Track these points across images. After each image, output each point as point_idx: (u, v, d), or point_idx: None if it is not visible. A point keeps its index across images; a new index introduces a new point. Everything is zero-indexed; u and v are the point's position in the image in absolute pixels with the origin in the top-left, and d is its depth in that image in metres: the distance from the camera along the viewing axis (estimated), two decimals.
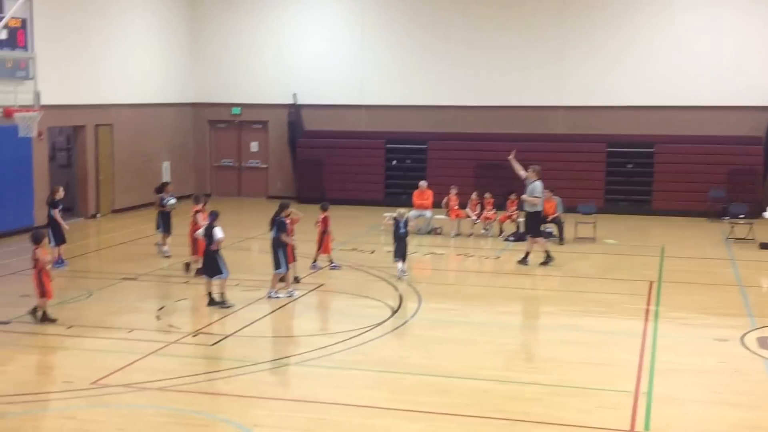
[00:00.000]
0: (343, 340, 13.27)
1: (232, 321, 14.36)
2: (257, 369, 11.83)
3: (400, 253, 17.65)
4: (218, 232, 15.16)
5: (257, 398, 10.69)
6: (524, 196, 19.37)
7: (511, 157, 19.88)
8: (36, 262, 13.85)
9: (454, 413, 10.17)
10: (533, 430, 9.68)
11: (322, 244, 18.45)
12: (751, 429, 9.83)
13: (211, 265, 15.24)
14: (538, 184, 19.07)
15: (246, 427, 9.62)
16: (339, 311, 15.72)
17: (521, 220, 22.56)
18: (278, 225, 15.99)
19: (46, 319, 13.91)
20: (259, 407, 10.38)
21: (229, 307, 15.03)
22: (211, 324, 14.09)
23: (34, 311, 13.97)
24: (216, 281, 15.24)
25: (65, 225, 18.55)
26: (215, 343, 13.04)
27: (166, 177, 29.41)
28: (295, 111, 30.16)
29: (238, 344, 13.22)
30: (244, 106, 30.84)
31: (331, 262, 18.58)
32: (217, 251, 15.21)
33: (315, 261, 18.43)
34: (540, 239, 19.43)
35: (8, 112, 17.68)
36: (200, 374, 11.47)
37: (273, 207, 17.01)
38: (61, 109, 23.52)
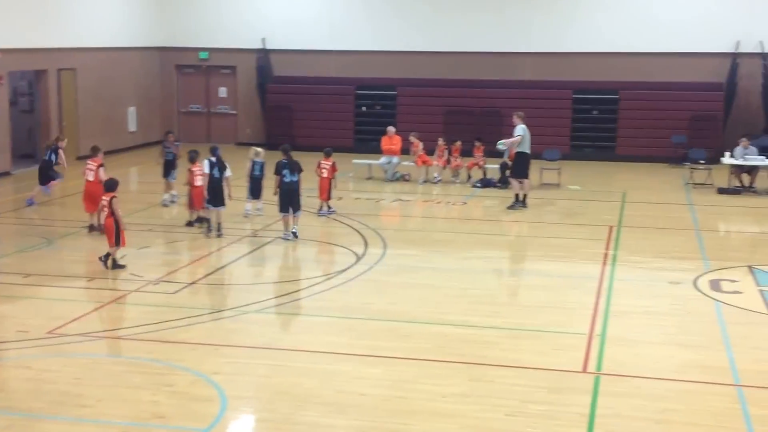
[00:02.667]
0: (307, 287, 13.45)
1: (195, 269, 14.47)
2: (219, 317, 11.98)
3: (256, 193, 18.14)
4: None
5: (218, 346, 10.78)
6: (503, 141, 20.00)
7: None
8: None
9: (413, 357, 10.37)
10: (489, 372, 9.91)
11: (330, 190, 18.65)
12: (700, 368, 10.10)
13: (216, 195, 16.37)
14: (520, 126, 19.47)
15: (205, 374, 9.72)
16: (304, 258, 15.87)
17: (488, 166, 22.84)
18: (299, 169, 16.38)
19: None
20: (220, 355, 10.49)
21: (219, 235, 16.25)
22: (173, 272, 14.12)
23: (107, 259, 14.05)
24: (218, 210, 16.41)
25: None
26: (177, 291, 13.07)
27: (132, 123, 29.30)
28: (264, 56, 29.99)
29: (200, 292, 13.33)
30: (212, 50, 30.56)
31: (330, 208, 18.76)
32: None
33: (327, 207, 18.69)
34: (526, 181, 19.65)
35: None
36: (161, 323, 11.51)
37: (243, 153, 17.26)
38: (22, 53, 23.18)
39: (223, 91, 31.15)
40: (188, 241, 16.34)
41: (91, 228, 16.53)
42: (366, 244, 16.12)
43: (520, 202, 19.47)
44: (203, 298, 13.14)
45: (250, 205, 18.19)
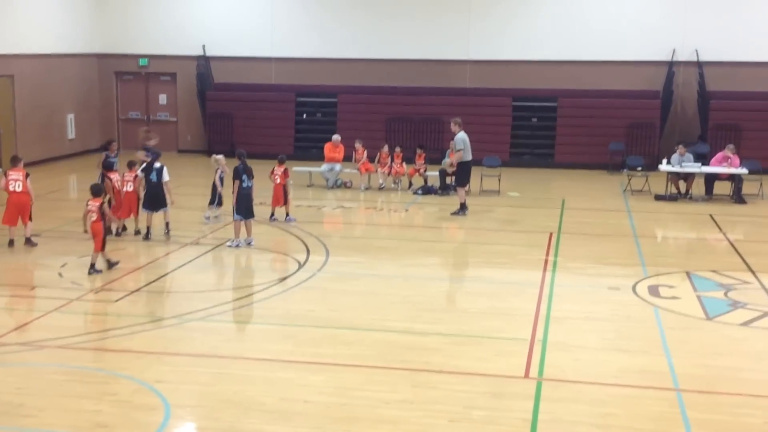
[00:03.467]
0: (249, 295, 13.45)
1: (137, 277, 14.34)
2: (161, 325, 11.88)
3: (215, 200, 18.43)
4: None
5: (160, 354, 10.70)
6: (445, 160, 20.25)
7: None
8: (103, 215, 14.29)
9: (356, 364, 10.39)
10: (431, 378, 9.96)
11: (286, 197, 18.77)
12: (639, 373, 10.25)
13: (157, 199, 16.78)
14: (460, 135, 19.65)
15: (148, 383, 9.65)
16: (246, 266, 15.79)
17: (429, 173, 22.99)
18: (253, 174, 16.74)
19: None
20: (162, 363, 10.40)
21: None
22: (114, 280, 13.99)
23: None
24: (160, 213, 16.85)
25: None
26: (118, 300, 12.96)
27: (71, 130, 28.94)
28: (204, 63, 29.83)
29: (142, 300, 13.22)
30: (152, 57, 30.35)
31: (288, 215, 18.88)
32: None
33: (287, 214, 18.85)
34: (463, 189, 19.93)
35: None
36: (103, 331, 11.42)
37: (184, 160, 17.19)
38: None
39: (163, 98, 30.91)
40: (130, 249, 16.18)
41: (11, 243, 16.00)
42: (308, 251, 16.12)
43: (463, 209, 19.67)
44: (146, 306, 13.03)
45: (209, 212, 18.48)
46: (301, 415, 8.92)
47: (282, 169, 18.77)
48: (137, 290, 13.55)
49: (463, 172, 19.86)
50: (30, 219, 16.23)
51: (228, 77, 29.90)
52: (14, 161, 16.47)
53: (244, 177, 16.46)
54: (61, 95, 28.48)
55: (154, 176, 16.76)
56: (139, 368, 10.14)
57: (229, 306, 12.88)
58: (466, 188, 20.13)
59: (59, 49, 28.35)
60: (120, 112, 31.11)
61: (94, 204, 14.28)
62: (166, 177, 16.83)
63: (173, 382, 9.78)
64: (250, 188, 16.55)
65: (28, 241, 16.14)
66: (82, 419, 8.73)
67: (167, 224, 16.90)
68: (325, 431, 8.57)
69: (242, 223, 16.48)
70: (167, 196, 16.81)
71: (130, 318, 12.13)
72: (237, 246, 16.30)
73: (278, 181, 18.70)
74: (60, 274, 14.34)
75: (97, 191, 14.52)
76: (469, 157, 19.77)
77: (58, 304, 12.62)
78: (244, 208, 16.44)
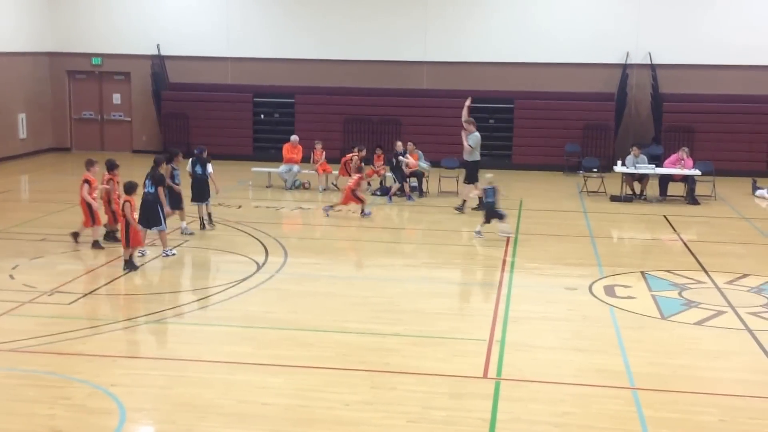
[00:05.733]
0: (207, 296, 13.31)
1: (91, 279, 14.16)
2: (116, 328, 11.73)
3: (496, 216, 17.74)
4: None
5: (115, 357, 10.56)
6: (466, 145, 20.57)
7: (467, 103, 20.93)
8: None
9: (315, 366, 10.34)
10: (391, 379, 9.94)
11: (356, 196, 19.68)
12: (596, 372, 10.32)
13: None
14: (476, 134, 20.24)
15: (102, 386, 9.53)
16: (203, 267, 15.68)
17: (388, 174, 22.97)
18: (159, 180, 15.86)
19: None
20: (117, 366, 10.27)
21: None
22: (68, 282, 13.79)
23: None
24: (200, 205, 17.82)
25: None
26: (72, 302, 12.78)
27: (22, 130, 28.55)
28: (158, 62, 29.57)
29: (96, 303, 13.05)
30: (105, 56, 30.05)
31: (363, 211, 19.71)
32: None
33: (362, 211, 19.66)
34: (473, 186, 20.31)
35: None
36: (56, 334, 11.22)
37: (138, 161, 16.97)
38: None
39: (117, 98, 30.60)
40: (83, 251, 15.97)
41: (76, 235, 16.35)
42: (266, 252, 16.02)
43: (480, 204, 19.82)
44: (100, 308, 12.86)
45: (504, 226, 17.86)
46: (259, 418, 8.86)
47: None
48: (92, 292, 13.36)
49: (474, 171, 20.42)
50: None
51: (183, 77, 29.67)
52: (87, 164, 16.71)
53: (146, 182, 15.73)
54: (12, 94, 28.09)
55: (199, 169, 17.86)
56: (94, 371, 10.00)
57: (186, 308, 12.77)
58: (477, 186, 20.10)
59: (10, 47, 27.94)
60: (73, 111, 30.73)
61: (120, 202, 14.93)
62: (210, 169, 17.95)
63: (128, 385, 9.66)
64: (150, 194, 15.58)
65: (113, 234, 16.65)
66: (35, 423, 8.59)
67: (209, 214, 17.98)
68: None
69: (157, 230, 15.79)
70: (212, 187, 17.98)
71: (83, 321, 11.97)
72: (165, 255, 15.58)
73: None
74: (11, 276, 14.11)
75: (127, 189, 14.90)
76: (479, 157, 20.38)
77: (9, 307, 12.41)
78: (144, 217, 15.51)
